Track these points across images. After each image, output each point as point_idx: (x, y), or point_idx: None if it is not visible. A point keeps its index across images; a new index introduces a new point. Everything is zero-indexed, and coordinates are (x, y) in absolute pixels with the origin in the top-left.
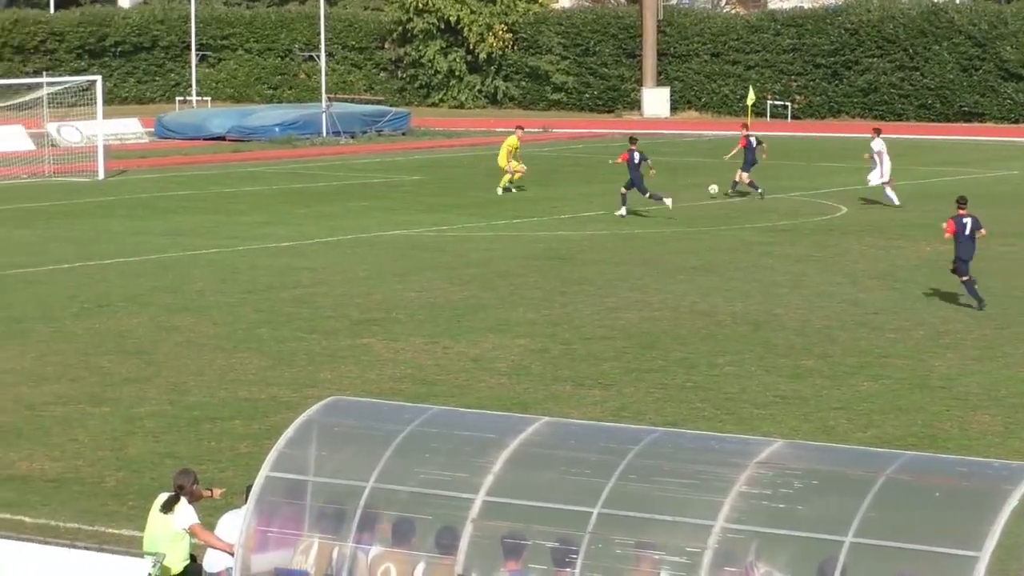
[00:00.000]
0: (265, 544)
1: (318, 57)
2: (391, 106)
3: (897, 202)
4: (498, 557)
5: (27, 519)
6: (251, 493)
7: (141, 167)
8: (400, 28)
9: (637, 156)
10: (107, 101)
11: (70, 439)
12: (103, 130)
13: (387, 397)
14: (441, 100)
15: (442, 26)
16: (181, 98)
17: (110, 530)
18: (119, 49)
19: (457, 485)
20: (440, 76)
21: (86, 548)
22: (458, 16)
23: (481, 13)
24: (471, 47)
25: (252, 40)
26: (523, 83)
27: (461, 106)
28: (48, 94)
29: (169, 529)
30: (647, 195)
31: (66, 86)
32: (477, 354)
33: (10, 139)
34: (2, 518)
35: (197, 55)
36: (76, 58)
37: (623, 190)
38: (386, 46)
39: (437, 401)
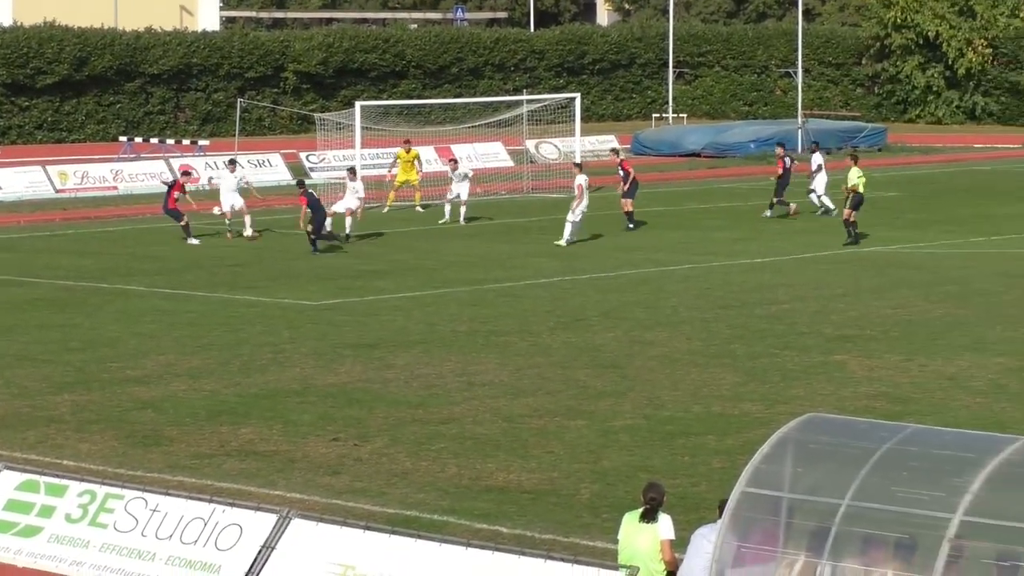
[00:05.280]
0: (741, 559)
1: (795, 73)
2: (867, 122)
3: None
4: None
5: (504, 529)
6: (726, 508)
7: (618, 183)
8: (878, 44)
9: None
10: (584, 118)
11: (546, 451)
12: (580, 147)
13: (861, 415)
14: (918, 116)
15: (921, 42)
16: (657, 115)
17: (584, 542)
18: (597, 67)
19: (934, 504)
20: (918, 92)
21: (562, 560)
22: (937, 31)
23: (961, 28)
24: (950, 62)
25: (729, 57)
26: (1003, 99)
27: (939, 122)
28: (527, 111)
29: (653, 539)
30: None
31: (545, 103)
32: (953, 372)
33: (490, 156)
34: (480, 528)
35: (674, 72)
36: (555, 76)
37: None
38: (863, 62)
39: (912, 420)
